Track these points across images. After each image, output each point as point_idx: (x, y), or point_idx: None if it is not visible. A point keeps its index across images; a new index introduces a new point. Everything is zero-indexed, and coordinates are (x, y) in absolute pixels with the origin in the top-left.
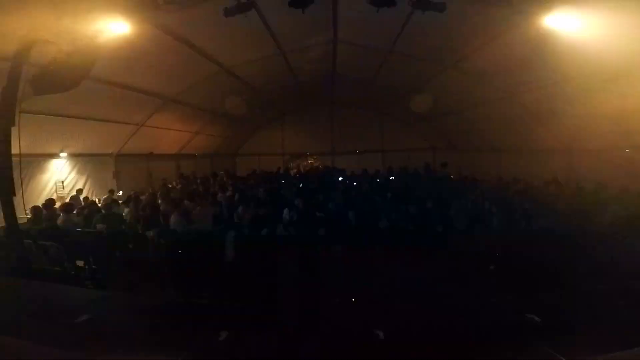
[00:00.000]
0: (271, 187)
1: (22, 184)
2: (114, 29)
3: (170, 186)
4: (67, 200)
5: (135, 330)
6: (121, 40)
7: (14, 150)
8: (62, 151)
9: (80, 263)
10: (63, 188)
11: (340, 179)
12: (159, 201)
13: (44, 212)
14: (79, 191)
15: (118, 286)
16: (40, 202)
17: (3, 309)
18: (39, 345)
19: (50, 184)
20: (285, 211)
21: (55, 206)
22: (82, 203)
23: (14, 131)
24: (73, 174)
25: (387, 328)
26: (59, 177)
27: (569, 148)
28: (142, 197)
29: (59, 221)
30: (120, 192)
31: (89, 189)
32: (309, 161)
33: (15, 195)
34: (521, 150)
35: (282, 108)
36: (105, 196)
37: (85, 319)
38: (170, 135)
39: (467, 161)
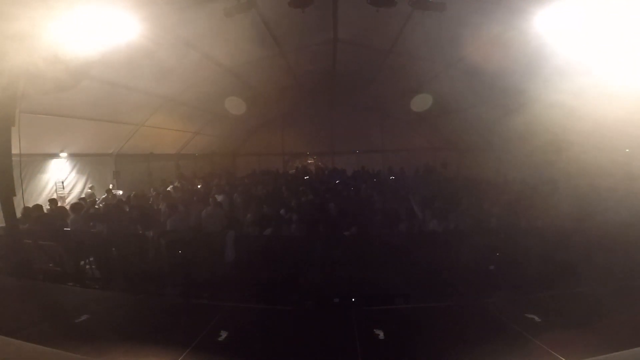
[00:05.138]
0: (272, 187)
1: (22, 184)
2: (114, 28)
3: (170, 187)
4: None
5: (135, 330)
6: (121, 40)
7: (14, 150)
8: (62, 151)
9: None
10: (63, 188)
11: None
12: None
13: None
14: (93, 188)
15: (118, 286)
16: (40, 202)
17: (2, 309)
18: (38, 345)
19: (50, 184)
20: (282, 211)
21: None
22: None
23: (14, 131)
24: (73, 174)
25: (386, 328)
26: (59, 177)
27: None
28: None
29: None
30: (120, 192)
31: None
32: (309, 161)
33: (15, 195)
34: (521, 149)
35: (281, 108)
36: (104, 196)
37: (85, 318)
38: (170, 135)
39: (468, 161)
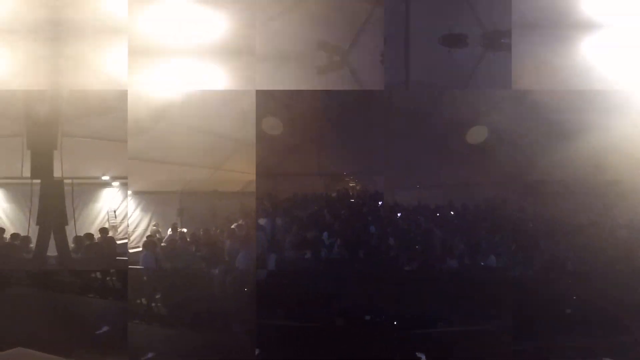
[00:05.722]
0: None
1: (74, 213)
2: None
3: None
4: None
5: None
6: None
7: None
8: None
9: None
10: (115, 217)
11: None
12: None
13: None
14: (157, 225)
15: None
16: (92, 230)
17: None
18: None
19: (103, 213)
20: (325, 235)
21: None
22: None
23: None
24: (125, 203)
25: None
26: (111, 206)
27: None
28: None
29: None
30: (185, 230)
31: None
32: (350, 185)
33: (67, 224)
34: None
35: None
36: (169, 233)
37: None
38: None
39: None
